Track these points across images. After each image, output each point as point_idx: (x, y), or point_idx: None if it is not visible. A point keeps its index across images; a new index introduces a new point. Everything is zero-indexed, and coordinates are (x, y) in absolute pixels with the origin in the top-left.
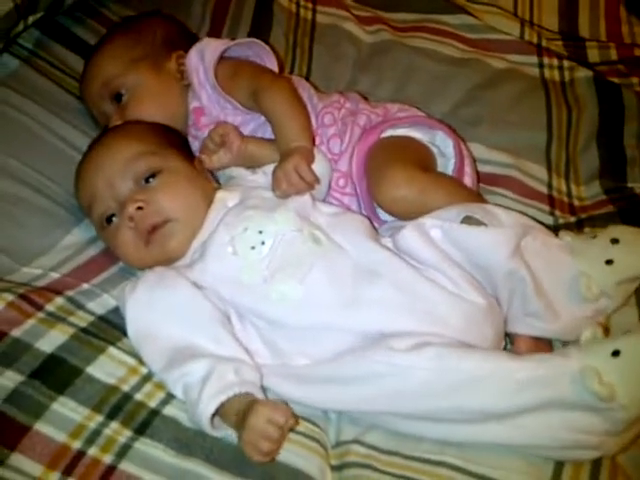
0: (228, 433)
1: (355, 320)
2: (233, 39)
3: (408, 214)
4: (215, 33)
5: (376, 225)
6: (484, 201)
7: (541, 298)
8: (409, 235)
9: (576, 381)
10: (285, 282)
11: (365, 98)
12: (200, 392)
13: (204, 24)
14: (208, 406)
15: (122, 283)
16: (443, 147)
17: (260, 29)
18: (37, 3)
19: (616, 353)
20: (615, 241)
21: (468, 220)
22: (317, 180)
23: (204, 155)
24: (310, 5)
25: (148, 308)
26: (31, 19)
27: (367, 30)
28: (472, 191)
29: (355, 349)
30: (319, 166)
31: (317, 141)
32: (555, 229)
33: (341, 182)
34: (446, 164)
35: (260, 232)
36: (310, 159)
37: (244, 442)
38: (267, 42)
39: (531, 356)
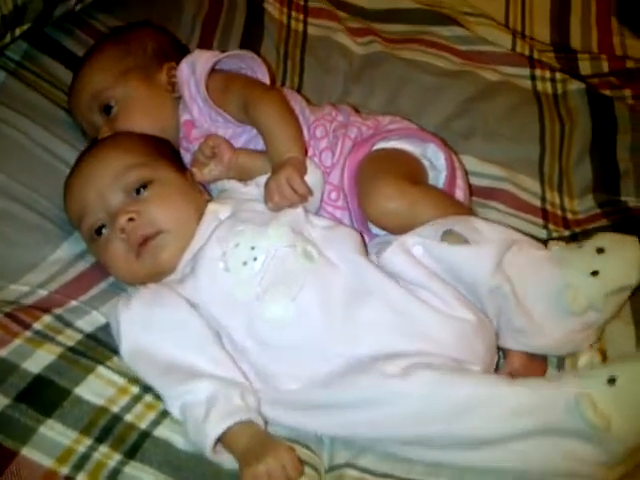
0: (224, 458)
1: (346, 341)
2: (224, 51)
3: (398, 227)
4: (205, 44)
5: (367, 239)
6: (474, 214)
7: (525, 314)
8: (393, 256)
9: (571, 409)
10: (277, 300)
11: (357, 110)
12: (207, 413)
13: (194, 35)
14: (215, 428)
15: (112, 300)
16: (435, 160)
17: (251, 40)
18: (24, 14)
19: (612, 381)
20: (600, 250)
21: (448, 235)
22: (310, 192)
23: (195, 168)
24: (301, 17)
25: (143, 325)
26: (18, 31)
27: (359, 42)
28: (462, 204)
29: (346, 372)
30: (312, 177)
31: (309, 153)
32: (548, 243)
33: (333, 195)
34: (437, 177)
35: (252, 248)
36: (302, 170)
37: (248, 476)
38: (258, 54)
39: (525, 381)
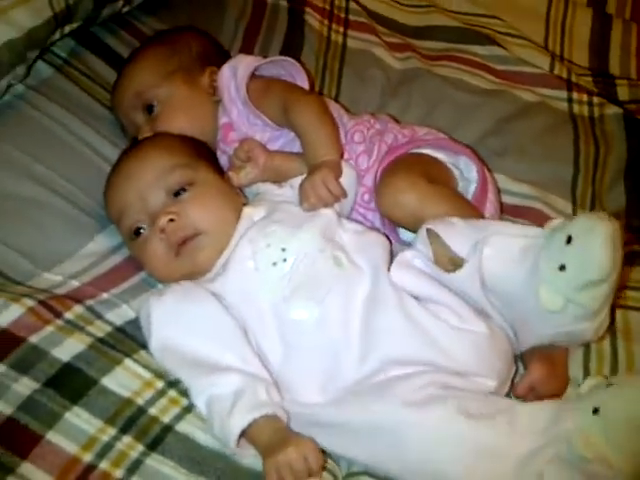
0: (246, 453)
1: (361, 346)
2: (265, 57)
3: (407, 222)
4: (246, 51)
5: (395, 243)
6: (484, 218)
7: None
8: (397, 273)
9: (570, 444)
10: (303, 303)
11: (395, 120)
12: (233, 405)
13: (236, 41)
14: (241, 420)
15: (142, 295)
16: (466, 171)
17: (291, 50)
18: (74, 13)
19: (596, 410)
20: (569, 240)
21: (431, 233)
22: (344, 193)
23: (232, 172)
24: (341, 29)
25: (174, 320)
26: (67, 28)
27: (397, 57)
28: (474, 207)
29: (360, 385)
30: (346, 179)
31: (346, 156)
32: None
33: (366, 197)
34: (467, 187)
35: (283, 249)
36: (338, 172)
37: (271, 469)
38: (298, 61)
39: (532, 424)
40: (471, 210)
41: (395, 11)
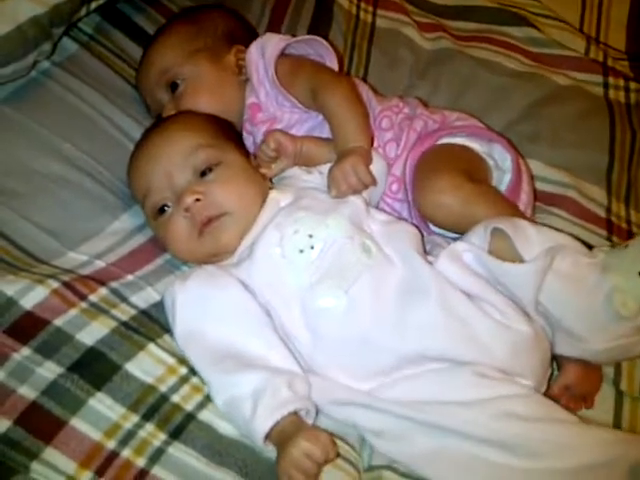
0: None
1: (396, 340)
2: (293, 36)
3: (449, 223)
4: (274, 29)
5: (425, 234)
6: (531, 219)
7: (573, 321)
8: (444, 264)
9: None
10: (330, 291)
11: (424, 104)
12: (254, 407)
13: (263, 20)
14: (264, 423)
15: (166, 277)
16: (500, 160)
17: (319, 29)
18: None
19: None
20: None
21: (496, 234)
22: (374, 181)
23: (263, 168)
24: (370, 8)
25: (199, 306)
26: (94, 4)
27: (427, 37)
28: (517, 208)
29: (396, 369)
30: (376, 167)
31: (374, 144)
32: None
33: (394, 187)
34: (502, 178)
35: (310, 236)
36: (368, 160)
37: (279, 469)
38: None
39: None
40: (511, 209)
41: None
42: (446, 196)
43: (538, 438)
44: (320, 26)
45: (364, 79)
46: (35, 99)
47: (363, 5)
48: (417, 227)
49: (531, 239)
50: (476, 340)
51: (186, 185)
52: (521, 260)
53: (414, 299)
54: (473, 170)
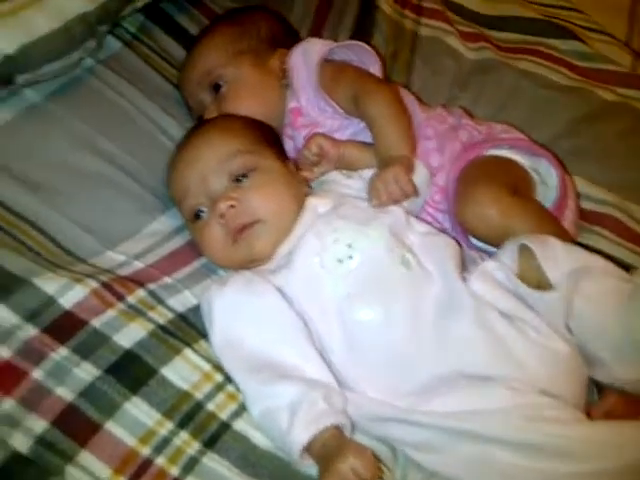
0: (311, 462)
1: (433, 355)
2: (335, 40)
3: (488, 236)
4: (316, 32)
5: (465, 247)
6: (571, 238)
7: (601, 349)
8: (477, 284)
9: None
10: (368, 303)
11: (469, 114)
12: (291, 420)
13: (305, 24)
14: (301, 436)
15: (204, 281)
16: (546, 176)
17: (361, 33)
18: None
19: None
20: None
21: (523, 251)
22: (416, 192)
23: (305, 171)
24: (414, 16)
25: (236, 313)
26: (140, 3)
27: (470, 47)
28: (560, 225)
29: (428, 387)
30: (418, 177)
31: (417, 152)
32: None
33: (437, 197)
34: (546, 193)
35: (349, 246)
36: (410, 169)
37: (333, 476)
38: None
39: None
40: (554, 226)
41: (471, 0)
42: (486, 208)
43: (581, 439)
44: (362, 31)
45: (405, 88)
46: (79, 96)
47: (407, 13)
48: (457, 240)
49: (559, 259)
50: (513, 358)
51: (221, 191)
52: (547, 281)
53: (452, 315)
54: (517, 184)
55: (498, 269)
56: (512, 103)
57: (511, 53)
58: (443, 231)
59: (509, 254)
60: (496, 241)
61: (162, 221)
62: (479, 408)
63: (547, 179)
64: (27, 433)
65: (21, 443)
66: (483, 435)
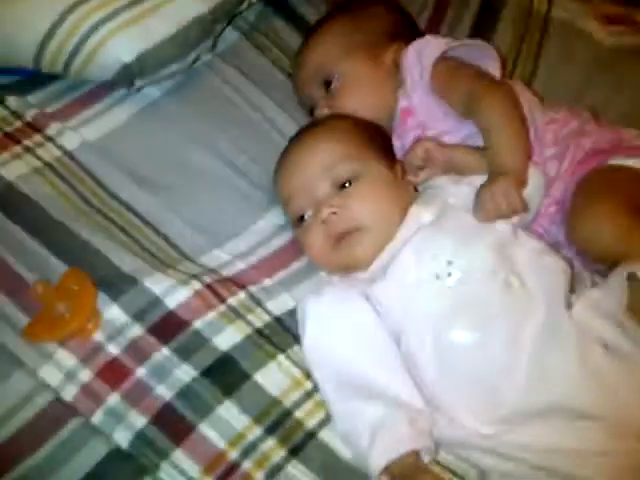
0: None
1: (526, 387)
2: (454, 35)
3: (601, 257)
4: (438, 16)
5: (578, 265)
6: None
7: None
8: (581, 313)
9: None
10: (463, 325)
11: (597, 117)
12: (372, 441)
13: (427, 8)
14: (379, 460)
15: (303, 283)
16: None
17: (486, 18)
18: None
19: None
20: None
21: (633, 278)
22: (526, 208)
23: (410, 175)
24: None
25: (328, 326)
26: None
27: (609, 30)
28: None
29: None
30: (532, 185)
31: (533, 158)
32: None
33: (552, 209)
34: None
35: (449, 262)
36: (521, 184)
37: None
38: (493, 31)
39: None
40: None
41: None
42: (600, 226)
43: None
44: (488, 15)
45: (531, 76)
46: (195, 92)
47: None
48: (569, 258)
49: None
50: (616, 398)
51: (325, 197)
52: None
53: (552, 345)
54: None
55: (605, 298)
56: None
57: None
58: (556, 246)
59: (618, 282)
60: (610, 263)
61: (268, 219)
62: (572, 447)
63: None
64: (129, 428)
65: (123, 438)
66: (574, 476)
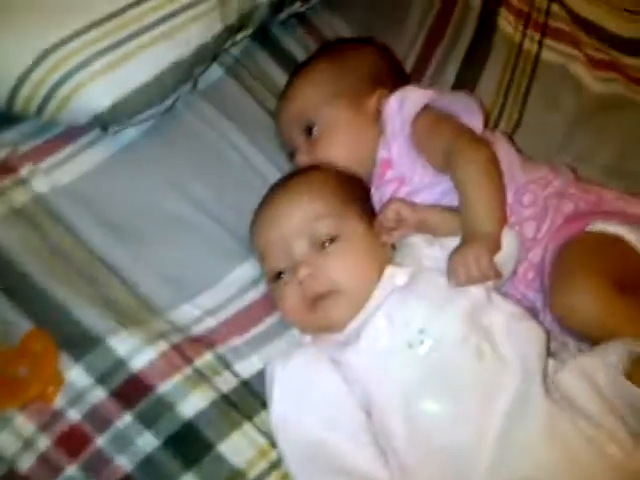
0: None
1: (494, 460)
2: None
3: (583, 332)
4: (426, 56)
5: (555, 334)
6: None
7: None
8: (570, 380)
9: None
10: (435, 396)
11: (575, 173)
12: None
13: (416, 44)
14: None
15: (274, 342)
16: None
17: (475, 59)
18: (248, 22)
19: None
20: None
21: (634, 359)
22: (499, 275)
23: (383, 235)
24: (537, 37)
25: (296, 395)
26: (240, 36)
27: (598, 76)
28: None
29: None
30: (505, 250)
31: (511, 220)
32: None
33: (530, 274)
34: None
35: (421, 331)
36: (495, 250)
37: None
38: (480, 74)
39: None
40: None
41: (609, 18)
42: (581, 304)
43: None
44: (477, 56)
45: (517, 123)
46: (174, 134)
47: (529, 32)
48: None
49: None
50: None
51: (302, 256)
52: None
53: (521, 414)
54: (626, 275)
55: (601, 371)
56: (635, 150)
57: None
58: (532, 312)
59: (616, 354)
60: (591, 338)
61: (243, 269)
62: None
63: None
64: None
65: None
66: None
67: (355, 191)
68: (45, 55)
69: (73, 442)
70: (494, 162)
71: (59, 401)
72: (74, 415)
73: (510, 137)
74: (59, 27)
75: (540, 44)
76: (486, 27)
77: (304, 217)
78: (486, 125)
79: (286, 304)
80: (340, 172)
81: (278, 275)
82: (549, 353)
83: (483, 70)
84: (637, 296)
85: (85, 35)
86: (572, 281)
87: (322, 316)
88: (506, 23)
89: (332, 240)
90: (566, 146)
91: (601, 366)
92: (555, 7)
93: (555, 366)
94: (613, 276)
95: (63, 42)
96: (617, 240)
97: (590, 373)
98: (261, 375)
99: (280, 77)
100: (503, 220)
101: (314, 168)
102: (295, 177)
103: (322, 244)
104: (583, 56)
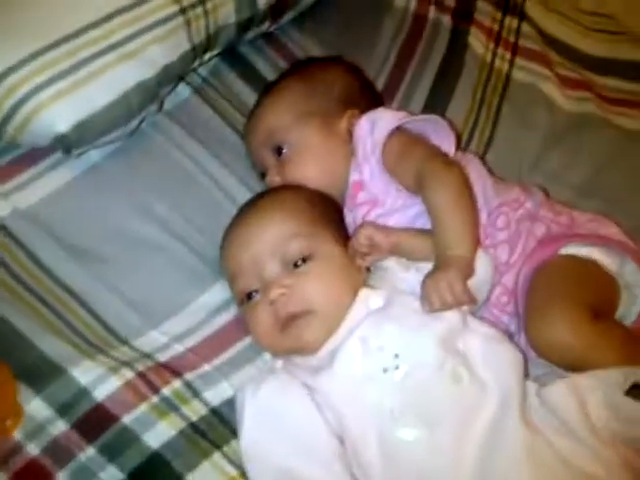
0: None
1: None
2: (413, 92)
3: (565, 366)
4: (398, 75)
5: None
6: None
7: None
8: (559, 397)
9: None
10: (411, 423)
11: (547, 194)
12: None
13: (387, 63)
14: None
15: (245, 368)
16: (633, 280)
17: (447, 78)
18: (215, 42)
19: None
20: None
21: (636, 389)
22: (473, 301)
23: (357, 260)
24: (508, 56)
25: (267, 423)
26: (207, 56)
27: (569, 95)
28: None
29: None
30: (480, 274)
31: (485, 243)
32: None
33: (504, 299)
34: (632, 302)
35: (396, 356)
36: (468, 274)
37: None
38: (452, 92)
39: None
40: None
41: (579, 37)
42: (563, 340)
43: None
44: (449, 74)
45: (489, 142)
46: (137, 153)
47: (500, 52)
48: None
49: None
50: None
51: (274, 276)
52: None
53: (500, 438)
54: (599, 299)
55: (598, 390)
56: (612, 168)
57: (617, 106)
58: (507, 335)
59: (613, 383)
60: (570, 368)
61: (212, 293)
62: None
63: (634, 287)
64: None
65: None
66: None
67: (328, 211)
68: (6, 74)
69: (32, 477)
70: (466, 184)
71: (18, 434)
72: (33, 449)
73: (482, 158)
74: (18, 48)
75: (511, 63)
76: (457, 46)
77: (276, 236)
78: (458, 144)
79: (257, 325)
80: (313, 191)
81: (249, 296)
82: (526, 375)
83: (455, 89)
84: (610, 320)
85: (45, 55)
86: (548, 313)
87: (295, 337)
88: (477, 42)
89: (305, 260)
90: (538, 164)
91: (597, 384)
92: (525, 27)
93: (537, 386)
94: (587, 303)
95: (22, 63)
96: (590, 263)
97: (582, 392)
98: (231, 402)
99: (249, 96)
100: (476, 243)
101: (285, 187)
102: (266, 196)
103: (294, 264)
104: (554, 75)
